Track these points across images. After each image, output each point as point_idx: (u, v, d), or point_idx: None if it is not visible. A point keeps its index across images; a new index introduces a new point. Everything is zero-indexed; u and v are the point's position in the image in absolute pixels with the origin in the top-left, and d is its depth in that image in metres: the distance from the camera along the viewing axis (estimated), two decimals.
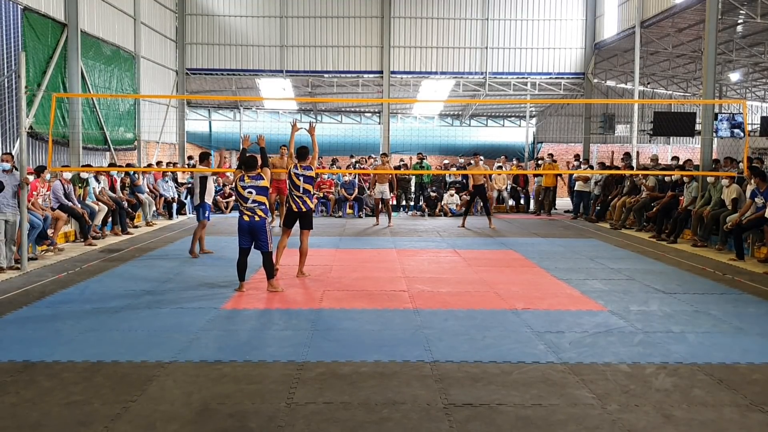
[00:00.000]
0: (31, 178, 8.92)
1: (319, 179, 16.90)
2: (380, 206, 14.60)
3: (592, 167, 19.13)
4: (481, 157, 14.75)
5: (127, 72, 17.40)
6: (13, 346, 5.20)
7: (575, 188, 16.59)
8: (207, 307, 6.54)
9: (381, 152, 15.27)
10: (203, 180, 9.79)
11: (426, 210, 17.14)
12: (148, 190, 14.56)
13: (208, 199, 9.85)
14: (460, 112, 26.68)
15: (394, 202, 18.16)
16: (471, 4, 21.66)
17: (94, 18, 15.36)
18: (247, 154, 7.47)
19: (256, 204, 7.17)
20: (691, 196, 11.98)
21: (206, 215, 9.75)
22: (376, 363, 4.87)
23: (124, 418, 3.87)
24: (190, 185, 16.86)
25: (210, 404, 4.08)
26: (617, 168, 16.57)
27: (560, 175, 18.56)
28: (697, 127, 17.93)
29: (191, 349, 5.16)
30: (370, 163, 18.58)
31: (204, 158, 10.34)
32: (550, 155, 20.30)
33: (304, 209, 8.07)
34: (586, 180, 16.26)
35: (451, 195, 17.13)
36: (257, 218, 7.18)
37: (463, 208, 17.17)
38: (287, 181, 8.10)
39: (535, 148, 25.92)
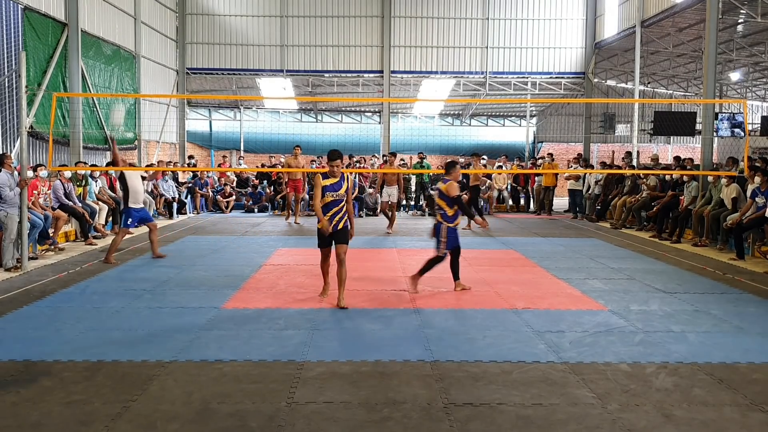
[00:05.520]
0: (30, 173, 8.90)
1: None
2: (388, 211, 13.34)
3: (592, 166, 19.12)
4: (484, 157, 14.72)
5: (128, 71, 17.40)
6: (13, 346, 5.20)
7: (568, 187, 16.79)
8: (207, 307, 6.55)
9: (389, 151, 14.71)
10: (122, 180, 9.07)
11: (426, 209, 17.14)
12: (149, 189, 14.56)
13: (133, 204, 9.10)
14: (461, 112, 26.69)
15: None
16: (471, 4, 21.67)
17: (94, 17, 15.36)
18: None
19: (437, 208, 7.32)
20: (691, 195, 11.98)
21: (129, 222, 9.15)
22: (377, 362, 4.87)
23: (125, 417, 3.88)
24: (190, 185, 16.89)
25: (210, 403, 4.08)
26: (618, 167, 16.56)
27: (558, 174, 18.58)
28: (698, 126, 17.94)
29: (192, 349, 5.17)
30: (371, 163, 18.59)
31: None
32: (550, 155, 20.29)
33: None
34: (578, 178, 16.38)
35: None
36: (437, 221, 7.32)
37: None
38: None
39: (535, 148, 25.92)
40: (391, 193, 13.36)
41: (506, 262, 9.60)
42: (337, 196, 6.57)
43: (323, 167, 18.69)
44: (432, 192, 7.41)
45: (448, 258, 7.35)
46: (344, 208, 6.68)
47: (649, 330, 5.84)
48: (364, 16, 21.60)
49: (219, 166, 22.18)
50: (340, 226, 6.64)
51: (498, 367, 4.81)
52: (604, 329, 5.86)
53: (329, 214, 6.57)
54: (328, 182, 6.57)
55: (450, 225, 7.24)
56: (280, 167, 17.83)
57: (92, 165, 13.11)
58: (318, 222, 6.61)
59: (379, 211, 15.94)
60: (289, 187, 14.66)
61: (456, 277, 7.47)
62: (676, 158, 14.36)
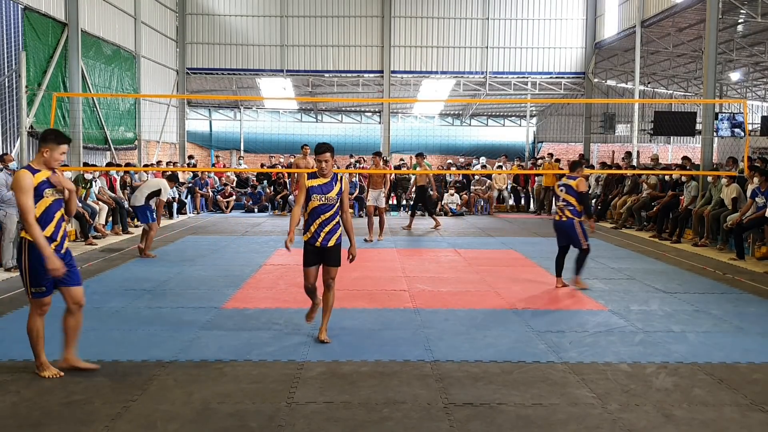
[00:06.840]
0: None
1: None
2: (372, 217, 12.20)
3: (592, 166, 19.11)
4: (483, 158, 14.54)
5: (128, 71, 17.40)
6: (14, 345, 5.21)
7: None
8: (207, 307, 6.55)
9: (375, 152, 13.74)
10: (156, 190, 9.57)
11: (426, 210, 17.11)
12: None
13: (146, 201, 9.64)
14: (461, 112, 26.69)
15: (394, 202, 18.15)
16: (471, 4, 21.66)
17: (94, 17, 15.36)
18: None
19: (565, 204, 7.54)
20: (691, 195, 11.98)
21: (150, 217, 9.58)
22: (377, 362, 4.87)
23: (125, 417, 3.88)
24: (190, 185, 16.88)
25: (210, 403, 4.08)
26: (618, 167, 16.57)
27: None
28: (698, 126, 17.94)
29: (192, 349, 5.17)
30: (371, 164, 18.58)
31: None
32: (550, 155, 20.29)
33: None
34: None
35: (451, 194, 17.13)
36: (564, 218, 7.56)
37: (464, 208, 17.20)
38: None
39: (535, 148, 25.93)
40: (377, 198, 12.17)
41: (506, 262, 9.60)
42: (326, 200, 5.25)
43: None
44: (559, 189, 7.67)
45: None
46: (335, 218, 5.32)
47: (649, 330, 5.84)
48: (364, 16, 21.60)
49: (213, 165, 22.19)
50: (331, 242, 5.28)
51: (498, 367, 4.81)
52: (604, 329, 5.86)
53: (316, 223, 5.26)
54: (315, 182, 5.31)
55: (579, 219, 7.51)
56: (280, 167, 17.82)
57: (93, 165, 13.11)
58: (303, 234, 5.36)
59: (365, 215, 15.42)
60: (298, 189, 14.49)
61: (558, 273, 7.74)
62: (685, 158, 14.30)
